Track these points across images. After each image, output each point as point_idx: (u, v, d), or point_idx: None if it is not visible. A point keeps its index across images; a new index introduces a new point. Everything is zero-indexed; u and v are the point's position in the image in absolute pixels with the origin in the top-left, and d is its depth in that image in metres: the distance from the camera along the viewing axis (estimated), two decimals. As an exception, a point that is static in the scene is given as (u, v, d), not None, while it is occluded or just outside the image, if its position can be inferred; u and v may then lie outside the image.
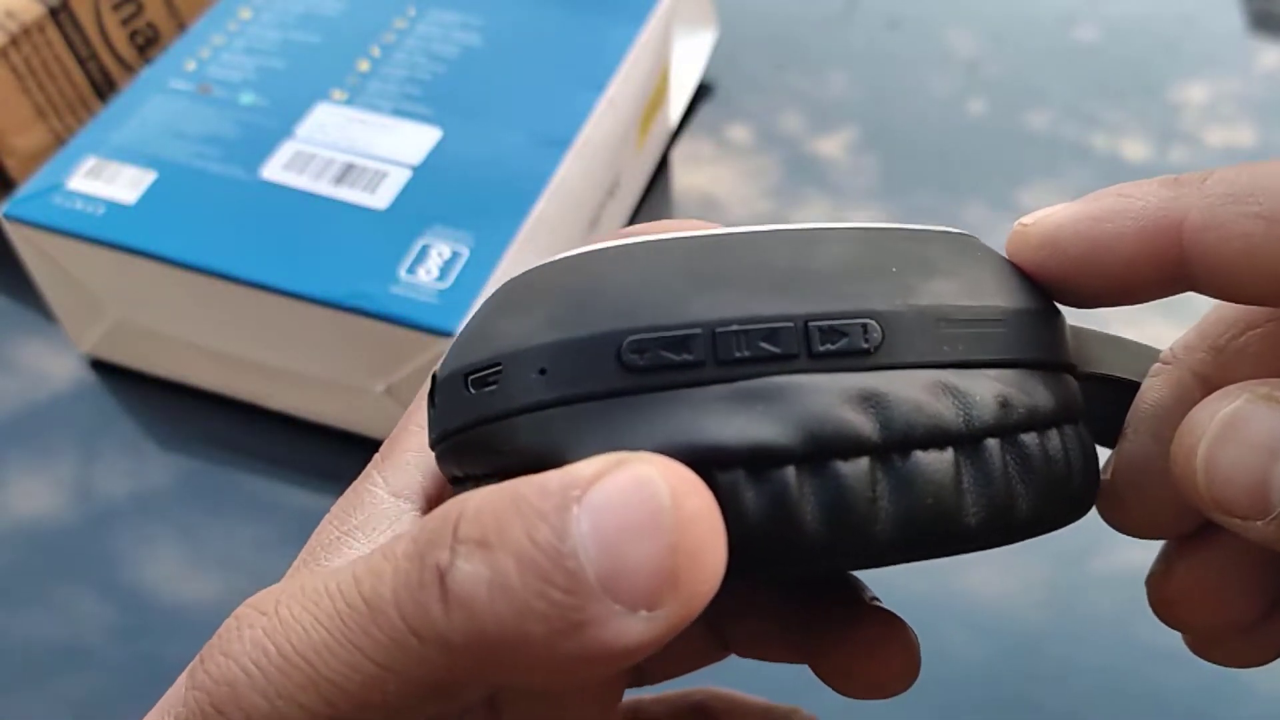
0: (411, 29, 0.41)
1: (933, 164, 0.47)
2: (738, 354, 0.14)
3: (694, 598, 0.12)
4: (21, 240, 0.36)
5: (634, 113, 0.41)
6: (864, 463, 0.14)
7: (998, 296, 0.15)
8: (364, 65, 0.40)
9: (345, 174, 0.36)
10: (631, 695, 0.21)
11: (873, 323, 0.14)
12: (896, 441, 0.14)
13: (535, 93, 0.39)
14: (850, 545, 0.14)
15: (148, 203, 0.35)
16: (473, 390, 0.15)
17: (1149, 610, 0.18)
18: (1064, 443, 0.15)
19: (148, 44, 0.46)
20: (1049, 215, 0.16)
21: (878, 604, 0.19)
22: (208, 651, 0.14)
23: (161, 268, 0.34)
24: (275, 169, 0.36)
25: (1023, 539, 0.15)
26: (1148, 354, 0.18)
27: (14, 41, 0.41)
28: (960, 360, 0.14)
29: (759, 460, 0.13)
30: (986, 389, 0.14)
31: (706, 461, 0.13)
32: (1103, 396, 0.18)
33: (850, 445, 0.13)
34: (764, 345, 0.14)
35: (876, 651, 0.18)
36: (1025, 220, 0.17)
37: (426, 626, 0.12)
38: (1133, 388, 0.18)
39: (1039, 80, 0.51)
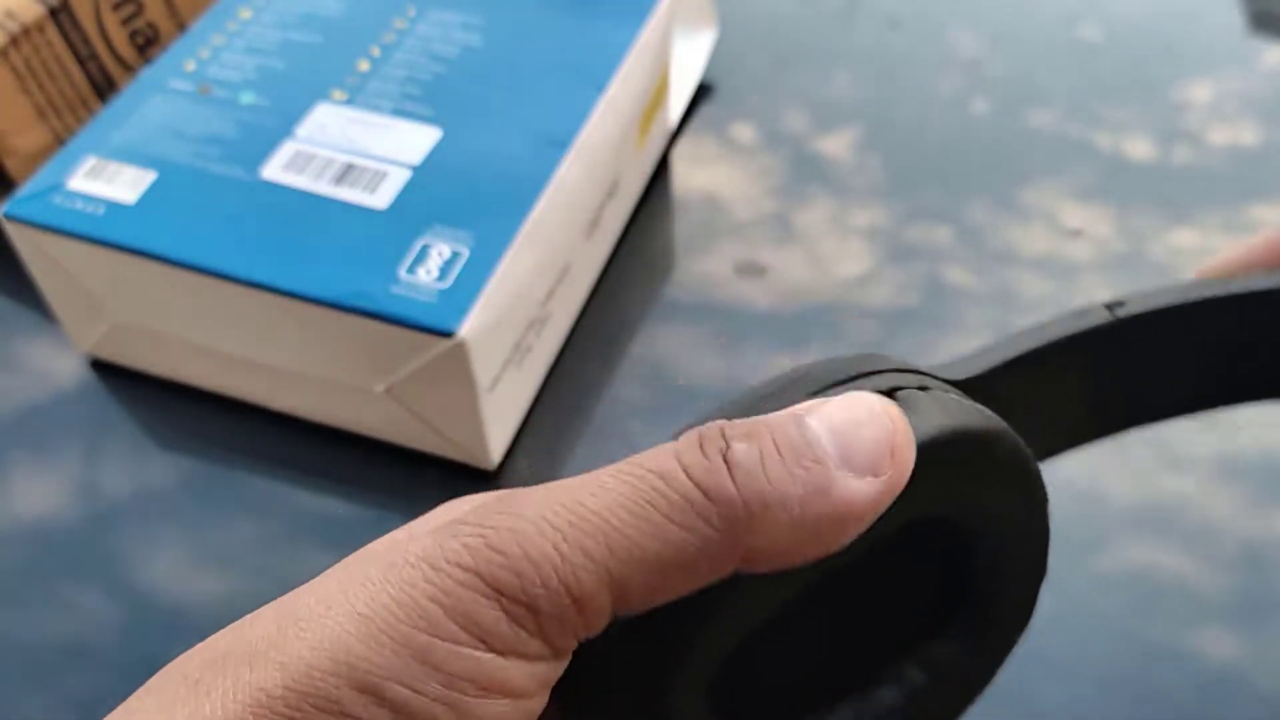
0: (411, 29, 0.41)
1: (936, 163, 0.47)
2: None
3: (906, 465, 0.16)
4: (21, 240, 0.36)
5: (634, 113, 0.41)
6: None
7: None
8: (364, 65, 0.40)
9: (345, 174, 0.36)
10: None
11: None
12: None
13: (535, 93, 0.39)
14: None
15: (148, 203, 0.35)
16: None
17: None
18: None
19: (148, 44, 0.46)
20: None
21: None
22: (480, 514, 0.16)
23: (161, 268, 0.34)
24: (275, 169, 0.36)
25: None
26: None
27: (14, 41, 0.41)
28: None
29: None
30: None
31: None
32: None
33: None
34: None
35: None
36: None
37: (715, 486, 0.15)
38: None
39: (1041, 79, 0.51)
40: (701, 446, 0.15)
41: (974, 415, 0.17)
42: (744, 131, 0.49)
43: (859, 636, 0.20)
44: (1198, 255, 0.43)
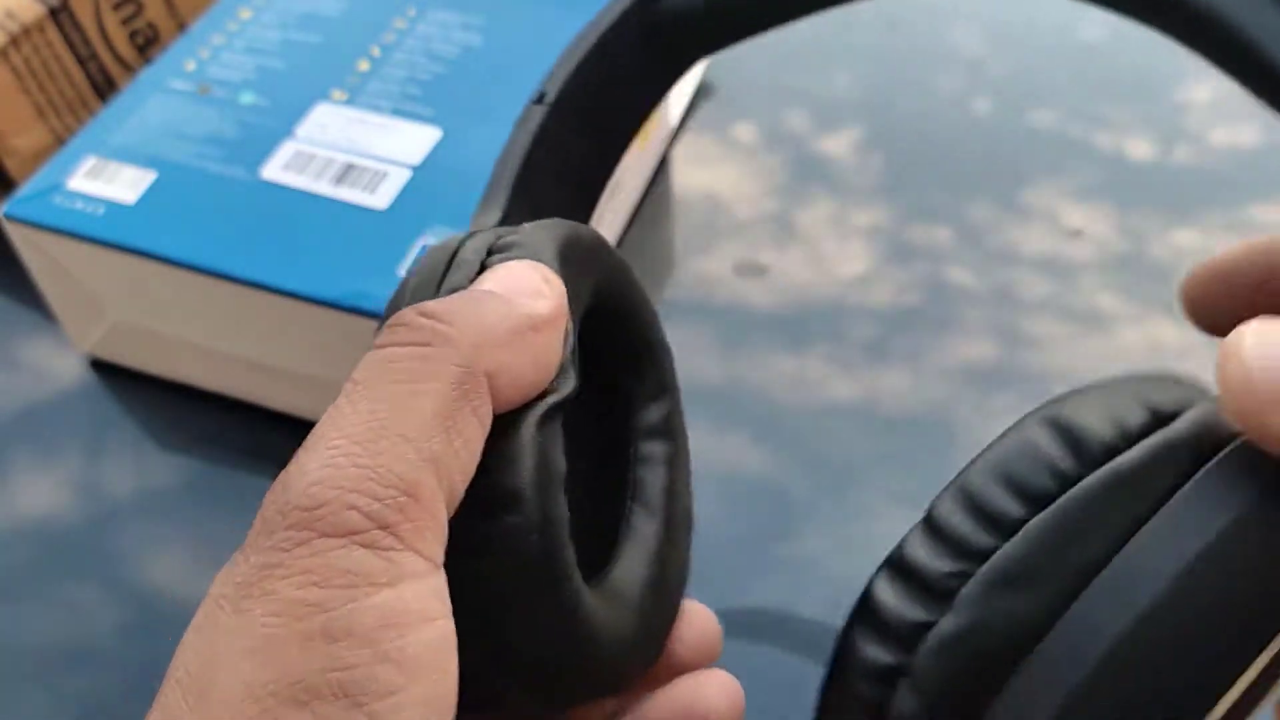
0: (411, 29, 0.41)
1: (938, 163, 0.47)
2: None
3: (557, 281, 0.19)
4: (21, 240, 0.36)
5: (635, 112, 0.41)
6: None
7: None
8: (364, 65, 0.40)
9: (345, 174, 0.36)
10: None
11: None
12: None
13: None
14: None
15: (148, 203, 0.35)
16: None
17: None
18: None
19: (148, 44, 0.46)
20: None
21: None
22: (271, 506, 0.15)
23: (161, 268, 0.34)
24: (275, 169, 0.36)
25: None
26: None
27: (14, 41, 0.41)
28: None
29: None
30: None
31: None
32: None
33: None
34: None
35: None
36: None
37: (434, 335, 0.17)
38: None
39: (1043, 79, 0.51)
40: (399, 325, 0.17)
41: (554, 227, 0.20)
42: (744, 131, 0.49)
43: (605, 445, 0.23)
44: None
